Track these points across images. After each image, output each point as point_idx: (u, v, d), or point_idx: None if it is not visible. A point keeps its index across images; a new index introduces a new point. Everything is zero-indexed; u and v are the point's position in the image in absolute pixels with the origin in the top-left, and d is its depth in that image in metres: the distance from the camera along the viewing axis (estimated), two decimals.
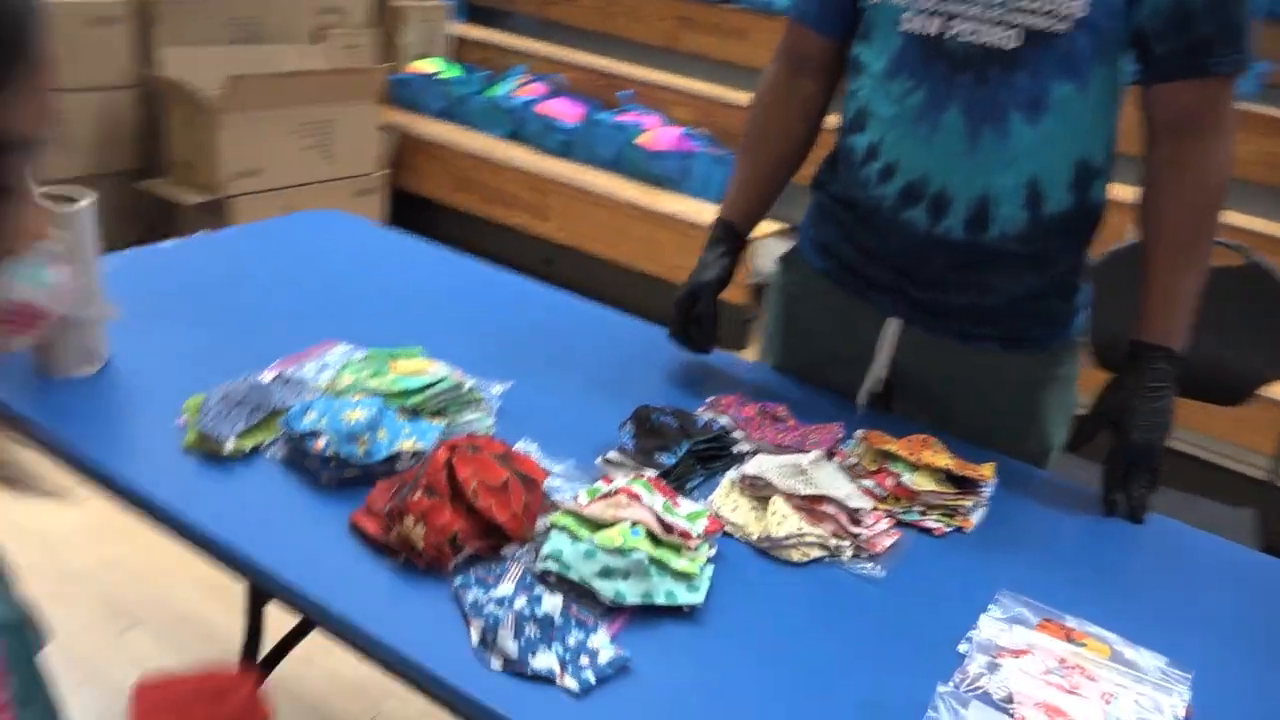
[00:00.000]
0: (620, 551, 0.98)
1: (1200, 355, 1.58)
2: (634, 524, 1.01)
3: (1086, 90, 1.23)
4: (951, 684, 0.92)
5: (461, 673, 0.88)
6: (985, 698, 0.91)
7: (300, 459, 1.11)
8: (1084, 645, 0.99)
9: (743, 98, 3.71)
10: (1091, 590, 1.10)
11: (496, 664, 0.89)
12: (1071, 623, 1.02)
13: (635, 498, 1.04)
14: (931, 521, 1.16)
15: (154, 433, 1.15)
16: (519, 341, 1.46)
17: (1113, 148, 1.32)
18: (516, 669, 0.88)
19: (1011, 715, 0.89)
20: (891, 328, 1.40)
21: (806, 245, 1.50)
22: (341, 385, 1.21)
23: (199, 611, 2.01)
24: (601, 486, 1.07)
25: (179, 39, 3.36)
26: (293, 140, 3.45)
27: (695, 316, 1.43)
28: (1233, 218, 2.90)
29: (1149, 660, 0.98)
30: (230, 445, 1.10)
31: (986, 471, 1.22)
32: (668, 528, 1.02)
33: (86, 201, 1.19)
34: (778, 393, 1.39)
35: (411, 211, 3.95)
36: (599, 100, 3.94)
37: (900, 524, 1.16)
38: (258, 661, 1.53)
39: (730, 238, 1.47)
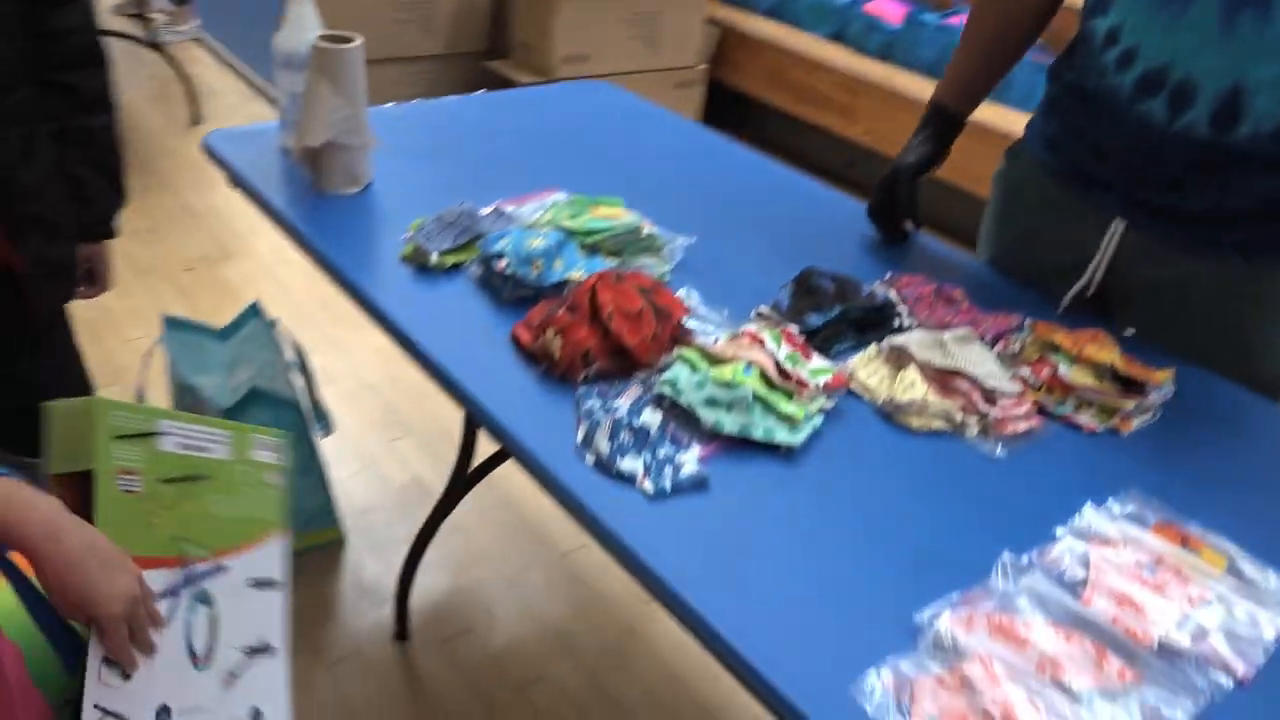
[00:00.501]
0: (728, 385, 1.04)
1: None
2: (749, 364, 1.06)
3: None
4: (1026, 557, 0.90)
5: (559, 462, 0.99)
6: (1055, 573, 0.89)
7: (489, 278, 1.26)
8: (1198, 553, 0.92)
9: None
10: (1239, 511, 1.00)
11: (590, 459, 0.99)
12: (1193, 530, 0.95)
13: (759, 342, 1.09)
14: (1084, 418, 1.11)
15: (385, 245, 1.35)
16: (722, 205, 1.53)
17: None
18: (605, 467, 0.98)
19: (1077, 595, 0.86)
20: (1116, 229, 1.31)
21: (1033, 137, 1.42)
22: (541, 221, 1.35)
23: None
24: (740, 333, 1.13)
25: None
26: (621, 29, 3.64)
27: (893, 199, 1.41)
28: None
29: (1272, 581, 0.90)
30: (434, 259, 1.28)
31: (1159, 376, 1.13)
32: (784, 374, 1.07)
33: (355, 44, 1.40)
34: (970, 279, 1.36)
35: (728, 106, 4.04)
36: (929, 2, 3.78)
37: (1048, 415, 1.11)
38: (466, 474, 1.74)
39: (940, 120, 1.43)
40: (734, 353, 1.08)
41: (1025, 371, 1.15)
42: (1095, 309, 1.35)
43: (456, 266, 1.30)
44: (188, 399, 1.80)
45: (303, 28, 1.47)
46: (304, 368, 1.94)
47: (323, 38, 1.40)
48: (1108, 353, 1.13)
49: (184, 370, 1.83)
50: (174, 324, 1.93)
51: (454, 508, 1.78)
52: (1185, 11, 1.14)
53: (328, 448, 2.02)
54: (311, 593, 1.89)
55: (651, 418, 1.03)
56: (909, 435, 1.08)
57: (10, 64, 1.28)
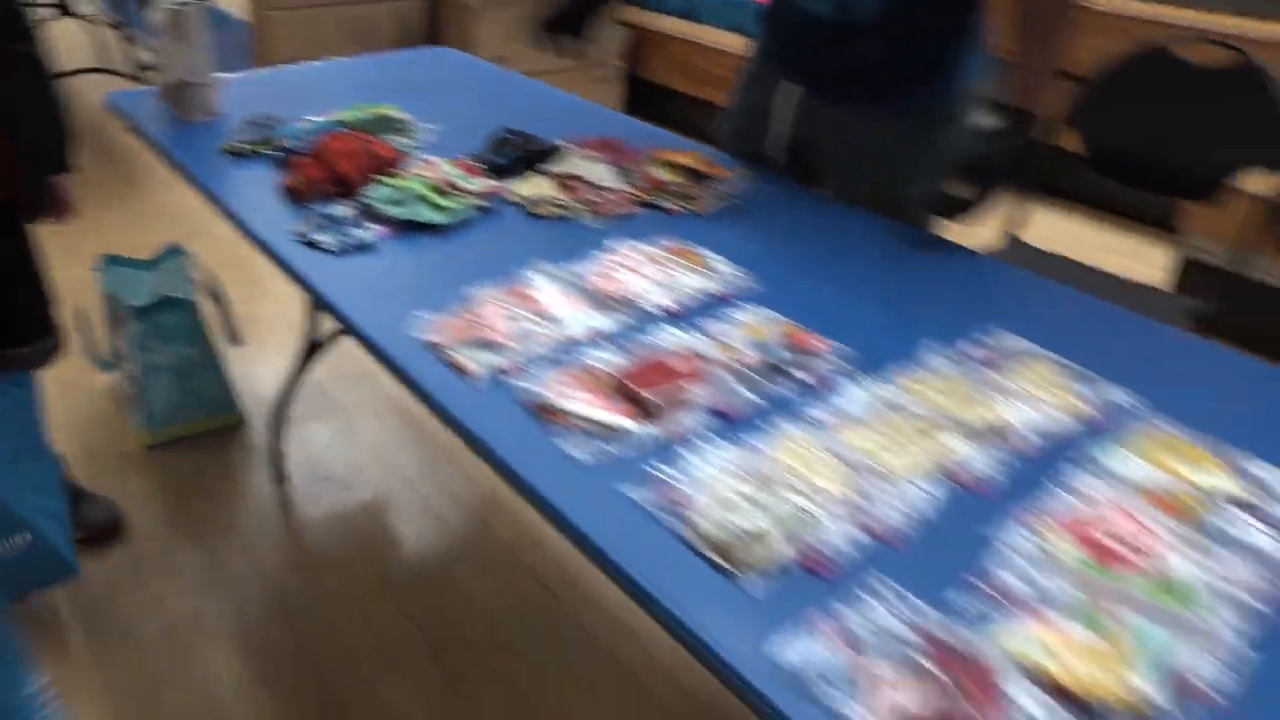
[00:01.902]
0: (402, 189, 1.50)
1: (1171, 151, 1.74)
2: (421, 177, 1.52)
3: None
4: (582, 266, 1.34)
5: (280, 243, 1.45)
6: (589, 265, 1.32)
7: (279, 153, 1.74)
8: (687, 260, 1.35)
9: None
10: (731, 244, 1.43)
11: (297, 239, 1.45)
12: (696, 249, 1.38)
13: (431, 164, 1.55)
14: (669, 204, 1.55)
15: (216, 145, 1.83)
16: (479, 110, 1.99)
17: None
18: (307, 241, 1.44)
19: (585, 279, 1.30)
20: (788, 93, 1.70)
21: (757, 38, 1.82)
22: (326, 119, 1.83)
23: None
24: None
25: None
26: None
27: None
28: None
29: (725, 265, 1.33)
30: (236, 144, 1.76)
31: (725, 171, 1.57)
32: (451, 185, 1.53)
33: (192, 6, 1.90)
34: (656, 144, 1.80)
35: (645, 96, 4.52)
36: None
37: (646, 205, 1.55)
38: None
39: None
40: (415, 172, 1.54)
41: (636, 179, 1.59)
42: (797, 177, 1.74)
43: (257, 154, 1.78)
44: (112, 306, 2.30)
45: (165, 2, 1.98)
46: (217, 294, 2.43)
47: (173, 4, 1.90)
48: (689, 157, 1.57)
49: (112, 287, 2.33)
50: (110, 259, 2.44)
51: (309, 361, 2.23)
52: None
53: (250, 358, 2.52)
54: (215, 459, 2.37)
55: (345, 212, 1.49)
56: (539, 220, 1.53)
57: None
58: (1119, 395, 1.09)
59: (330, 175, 1.57)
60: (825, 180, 1.69)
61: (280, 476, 2.30)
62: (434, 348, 1.18)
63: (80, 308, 2.42)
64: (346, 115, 1.80)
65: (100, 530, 2.12)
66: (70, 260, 3.04)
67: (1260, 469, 0.97)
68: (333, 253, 1.42)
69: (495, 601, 1.97)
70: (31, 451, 1.74)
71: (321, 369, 2.43)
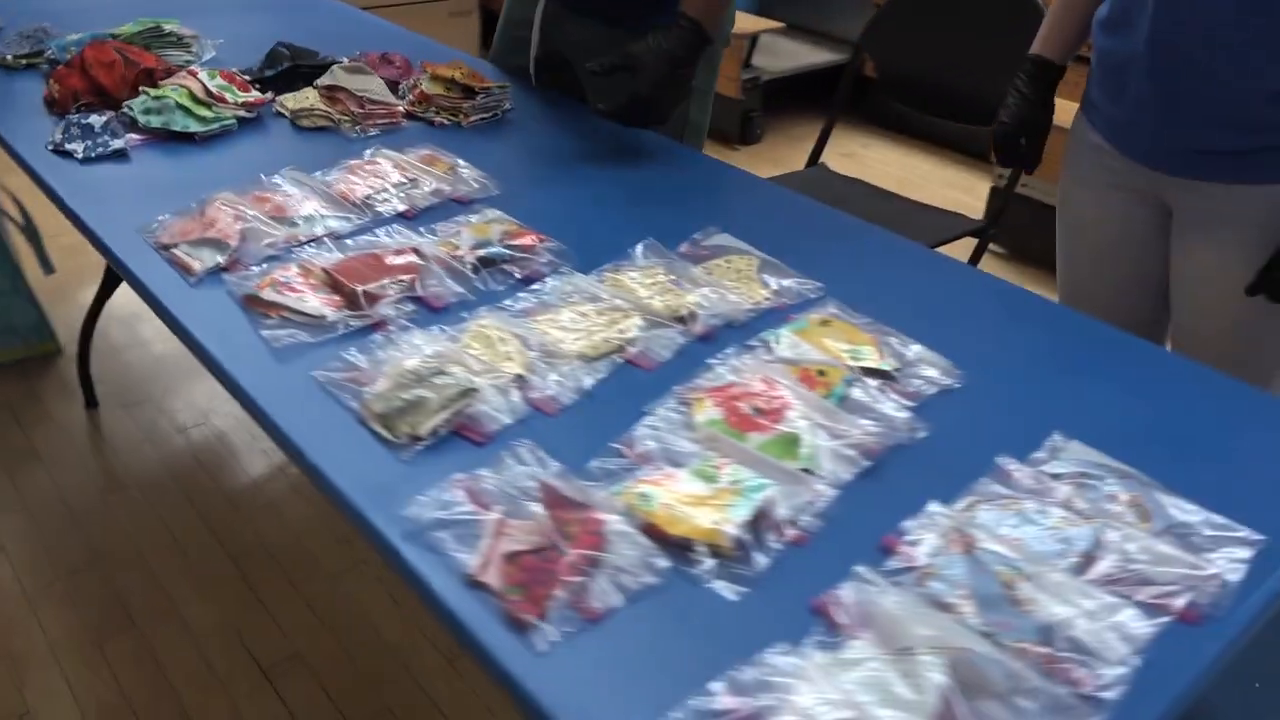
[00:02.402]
0: (160, 98, 1.49)
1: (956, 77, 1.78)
2: (180, 86, 1.51)
3: None
4: (337, 171, 1.36)
5: (29, 152, 1.44)
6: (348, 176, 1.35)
7: (46, 66, 1.70)
8: (432, 167, 1.38)
9: None
10: (481, 154, 1.47)
11: (49, 147, 1.44)
12: (439, 155, 1.41)
13: (194, 75, 1.54)
14: (436, 118, 1.57)
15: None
16: (276, 33, 1.97)
17: None
18: (58, 149, 1.43)
19: (329, 176, 1.32)
20: (540, 5, 1.74)
21: None
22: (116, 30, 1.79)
23: None
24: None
25: None
26: None
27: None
28: None
29: (469, 172, 1.37)
30: (9, 60, 1.72)
31: (487, 82, 1.60)
32: (210, 94, 1.52)
33: None
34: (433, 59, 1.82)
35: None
36: None
37: (413, 118, 1.58)
38: None
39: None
40: (177, 83, 1.53)
41: (406, 93, 1.61)
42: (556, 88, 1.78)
43: (31, 66, 1.74)
44: None
45: None
46: (27, 222, 2.37)
47: None
48: (457, 71, 1.59)
49: None
50: None
51: (114, 287, 2.20)
52: None
53: (64, 286, 2.47)
54: (28, 387, 2.33)
55: (97, 120, 1.48)
56: (303, 131, 1.54)
57: None
58: (805, 286, 1.16)
59: (89, 85, 1.55)
60: (579, 92, 1.74)
61: (89, 402, 2.28)
62: (161, 248, 1.19)
63: None
64: (121, 29, 1.77)
65: None
66: None
67: (907, 347, 1.05)
68: (79, 160, 1.41)
69: (299, 517, 2.00)
70: None
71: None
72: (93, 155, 1.42)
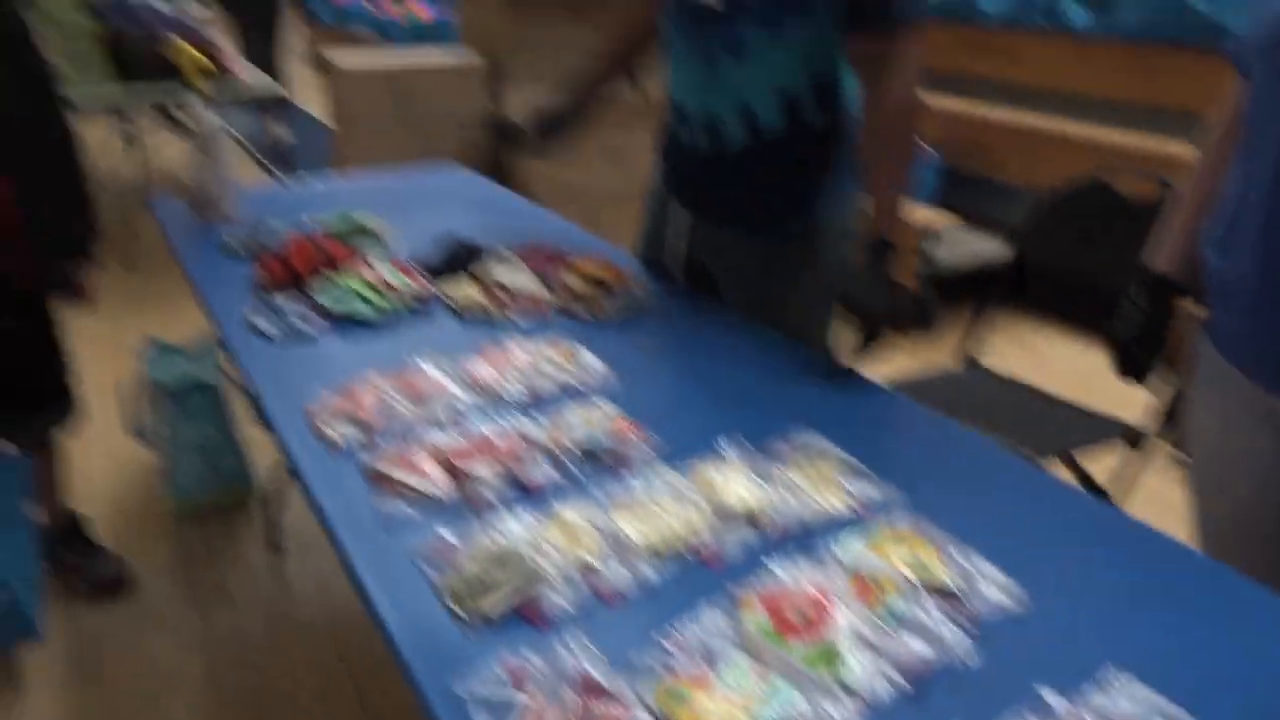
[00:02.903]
0: (343, 286, 1.72)
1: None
2: (360, 277, 1.74)
3: (784, 37, 1.59)
4: (472, 359, 1.52)
5: (231, 329, 1.68)
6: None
7: (259, 253, 1.98)
8: (557, 354, 1.51)
9: None
10: (616, 354, 1.59)
11: (249, 328, 1.68)
12: (573, 345, 1.54)
13: (372, 265, 1.77)
14: (577, 309, 1.72)
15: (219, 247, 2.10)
16: (457, 228, 2.22)
17: (829, 84, 1.64)
18: (255, 330, 1.66)
19: (470, 357, 1.47)
20: (687, 219, 1.89)
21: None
22: (324, 219, 2.08)
23: None
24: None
25: (523, 85, 4.55)
26: (595, 156, 4.45)
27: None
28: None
29: (597, 365, 1.48)
30: (228, 243, 2.02)
31: (632, 281, 1.74)
32: (386, 283, 1.74)
33: (219, 124, 2.20)
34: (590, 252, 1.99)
35: None
36: None
37: (559, 310, 1.73)
38: None
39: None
40: (357, 273, 1.76)
41: (553, 286, 1.77)
42: (696, 287, 1.91)
43: (249, 253, 2.03)
44: (151, 385, 2.59)
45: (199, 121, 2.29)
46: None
47: (200, 126, 2.21)
48: (599, 268, 1.75)
49: (152, 368, 2.63)
50: (155, 342, 2.74)
51: None
52: (683, 62, 1.75)
53: (264, 436, 2.77)
54: (226, 529, 2.59)
55: (289, 304, 1.71)
56: (460, 319, 1.72)
57: (31, 135, 2.05)
58: (885, 494, 1.19)
59: (288, 272, 1.80)
60: (718, 292, 1.84)
61: (274, 545, 2.50)
62: (314, 422, 1.36)
63: (124, 384, 2.71)
64: (327, 221, 2.05)
65: (105, 584, 2.35)
66: (126, 339, 3.38)
67: (977, 565, 1.05)
68: (271, 340, 1.64)
69: None
70: (12, 520, 1.97)
71: None
72: (282, 335, 1.64)
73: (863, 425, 1.39)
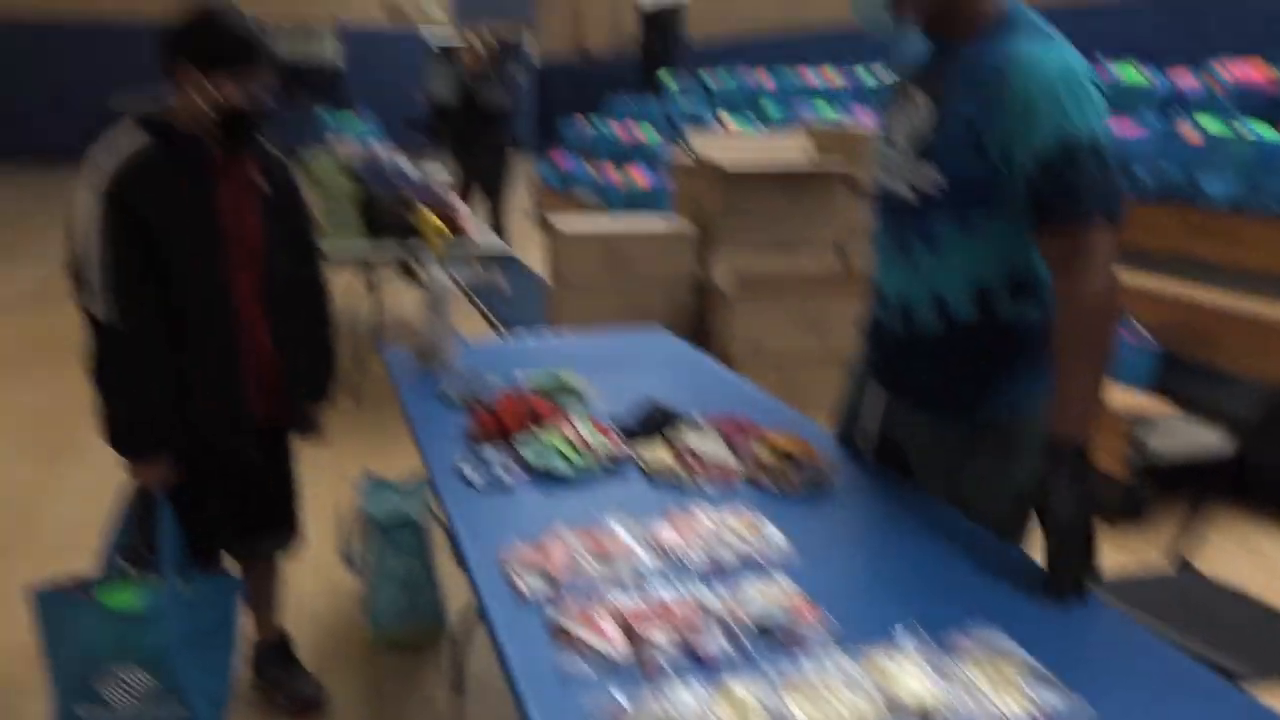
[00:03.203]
0: (545, 442, 1.83)
1: None
2: (561, 434, 1.85)
3: (976, 231, 1.63)
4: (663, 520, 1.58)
5: (441, 475, 1.82)
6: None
7: (473, 404, 2.14)
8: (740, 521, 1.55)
9: None
10: (791, 523, 1.61)
11: (455, 477, 1.81)
12: (755, 516, 1.57)
13: (573, 424, 1.88)
14: (765, 481, 1.76)
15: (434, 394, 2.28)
16: (654, 391, 2.32)
17: (1025, 276, 1.65)
18: (460, 477, 1.79)
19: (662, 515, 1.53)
20: (877, 397, 1.91)
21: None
22: (530, 378, 2.23)
23: None
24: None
25: (729, 252, 4.74)
26: (792, 324, 4.55)
27: None
28: None
29: (778, 541, 1.51)
30: (446, 393, 2.19)
31: (821, 457, 1.76)
32: (584, 442, 1.84)
33: (447, 284, 2.42)
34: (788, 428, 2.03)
35: None
36: None
37: (747, 481, 1.78)
38: None
39: None
40: (559, 428, 1.87)
41: (743, 457, 1.82)
42: (892, 468, 1.90)
43: (464, 402, 2.20)
44: (363, 517, 2.79)
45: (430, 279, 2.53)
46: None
47: (432, 285, 2.44)
48: (790, 443, 1.78)
49: (366, 502, 2.83)
50: (371, 477, 2.97)
51: None
52: (884, 249, 1.82)
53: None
54: (416, 664, 2.70)
55: (494, 456, 1.83)
56: (651, 481, 1.79)
57: (292, 294, 2.31)
58: (1071, 705, 1.14)
59: (496, 425, 1.94)
60: (910, 474, 1.83)
61: (457, 686, 2.59)
62: (506, 571, 1.45)
63: (341, 515, 2.93)
64: (535, 378, 2.20)
65: (302, 704, 2.49)
66: (346, 468, 3.65)
67: None
68: (474, 487, 1.76)
69: None
70: (216, 637, 2.13)
71: None
72: (485, 485, 1.76)
73: (1053, 625, 1.35)
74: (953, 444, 1.77)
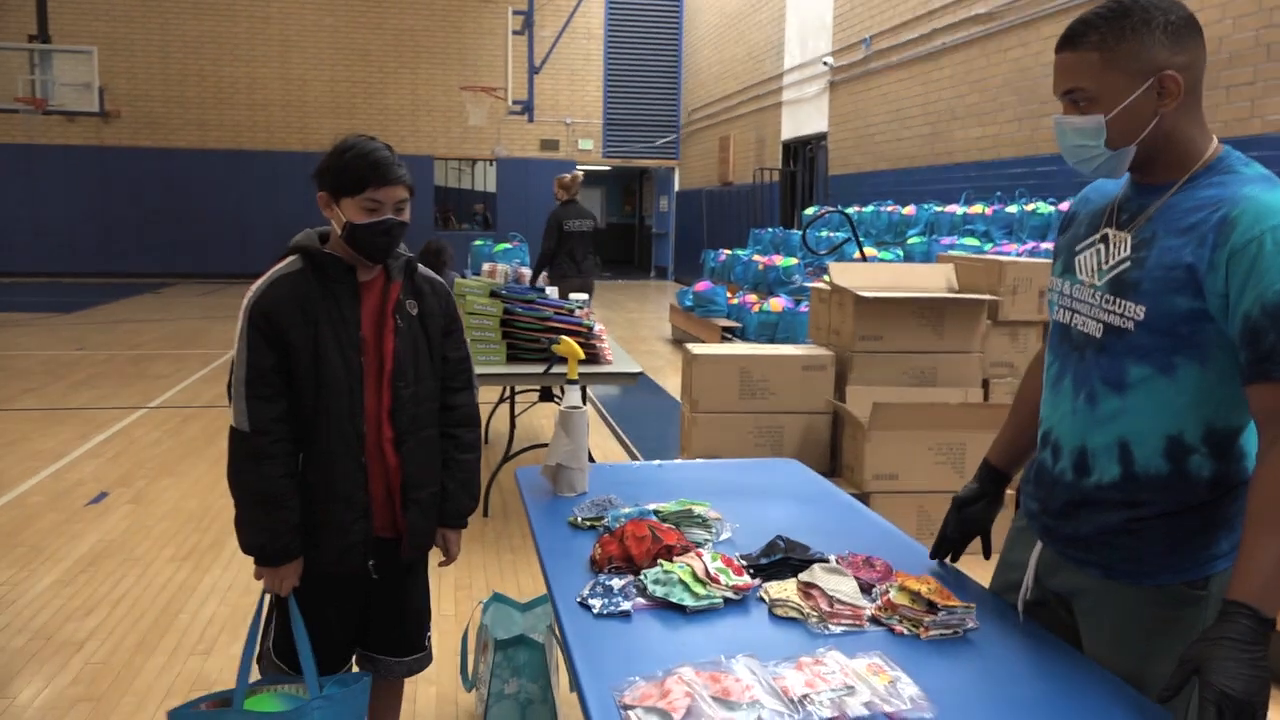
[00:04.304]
0: (668, 572, 1.79)
1: None
2: (686, 564, 1.81)
3: (1173, 376, 1.52)
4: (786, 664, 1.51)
5: (562, 599, 1.79)
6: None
7: (601, 530, 2.13)
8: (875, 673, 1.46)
9: None
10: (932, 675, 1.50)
11: (576, 600, 1.78)
12: (888, 669, 1.48)
13: (699, 556, 1.83)
14: (897, 624, 1.66)
15: (567, 516, 2.27)
16: (784, 524, 2.25)
17: (1223, 433, 1.53)
18: (581, 602, 1.76)
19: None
20: (1037, 548, 1.79)
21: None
22: (650, 508, 2.21)
23: None
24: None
25: (864, 380, 4.66)
26: (928, 455, 4.40)
27: (944, 529, 1.95)
28: None
29: (908, 689, 1.41)
30: (579, 520, 2.18)
31: (954, 600, 1.65)
32: (709, 574, 1.79)
33: (580, 409, 2.44)
34: (916, 569, 1.94)
35: None
36: None
37: (876, 623, 1.68)
38: None
39: (985, 471, 1.97)
40: (685, 561, 1.83)
41: (875, 598, 1.73)
42: (1046, 624, 1.76)
43: (592, 528, 2.18)
44: (484, 635, 2.77)
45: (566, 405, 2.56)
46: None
47: (567, 408, 2.46)
48: (925, 585, 1.69)
49: (489, 619, 2.82)
50: (496, 596, 2.96)
51: None
52: (1059, 393, 1.72)
53: None
54: None
55: (618, 583, 1.80)
56: (776, 619, 1.72)
57: (429, 418, 2.41)
58: None
59: (622, 553, 1.91)
60: (1065, 633, 1.69)
61: None
62: (621, 706, 1.40)
63: (466, 634, 2.93)
64: (663, 506, 2.17)
65: None
66: (473, 581, 3.66)
67: None
68: (596, 614, 1.72)
69: None
70: None
71: None
72: (605, 612, 1.72)
73: None
74: (1127, 606, 1.61)
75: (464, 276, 6.62)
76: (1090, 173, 1.63)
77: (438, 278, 2.33)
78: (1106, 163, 1.60)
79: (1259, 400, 1.45)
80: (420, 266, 2.28)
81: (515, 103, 16.84)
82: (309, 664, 2.07)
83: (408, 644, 2.37)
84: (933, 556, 1.98)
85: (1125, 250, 1.59)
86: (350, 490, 2.14)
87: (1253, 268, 1.43)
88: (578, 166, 20.12)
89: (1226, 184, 1.52)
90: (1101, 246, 1.65)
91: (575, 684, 1.51)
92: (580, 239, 7.84)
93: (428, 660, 2.42)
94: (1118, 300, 1.58)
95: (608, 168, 21.88)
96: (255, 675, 2.24)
